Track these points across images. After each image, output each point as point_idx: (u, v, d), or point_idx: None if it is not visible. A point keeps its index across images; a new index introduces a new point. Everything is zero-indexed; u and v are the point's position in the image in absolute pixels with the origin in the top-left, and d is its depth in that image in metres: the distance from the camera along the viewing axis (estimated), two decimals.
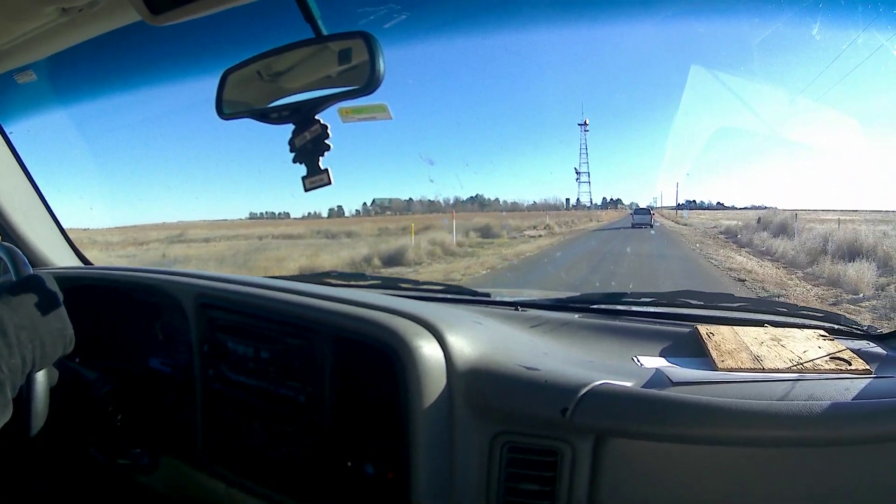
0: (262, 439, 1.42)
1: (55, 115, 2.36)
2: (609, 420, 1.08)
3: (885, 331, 1.36)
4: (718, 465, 1.10)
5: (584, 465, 1.12)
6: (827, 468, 1.07)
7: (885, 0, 1.45)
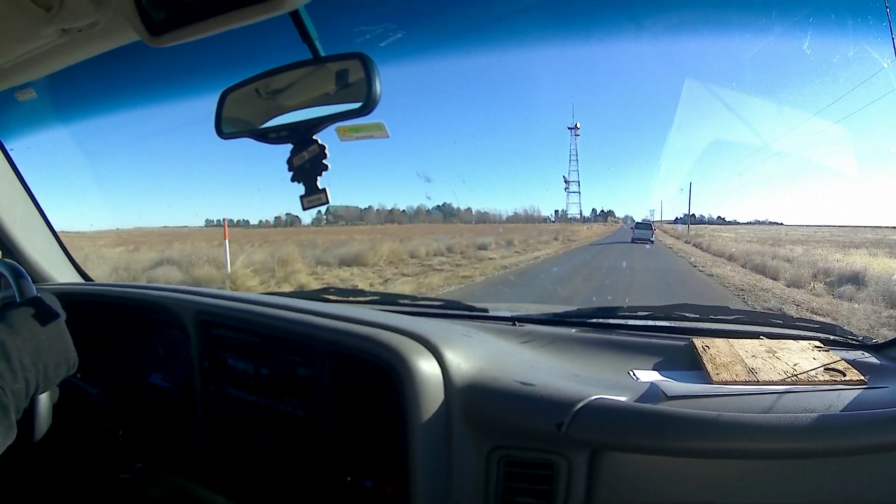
0: (262, 454, 1.42)
1: (55, 132, 2.37)
2: (604, 434, 1.08)
3: (881, 341, 1.36)
4: (714, 478, 1.11)
5: (579, 479, 1.13)
6: (822, 479, 1.07)
7: (874, 14, 1.46)
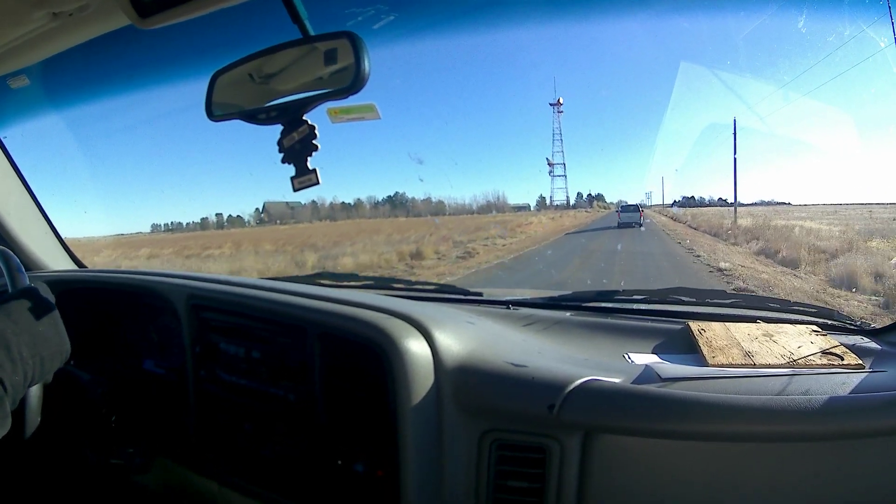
0: (253, 438, 1.42)
1: (48, 118, 2.38)
2: (596, 416, 1.08)
3: (879, 325, 1.35)
4: (708, 461, 1.10)
5: (572, 462, 1.12)
6: (818, 463, 1.06)
7: None
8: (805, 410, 0.98)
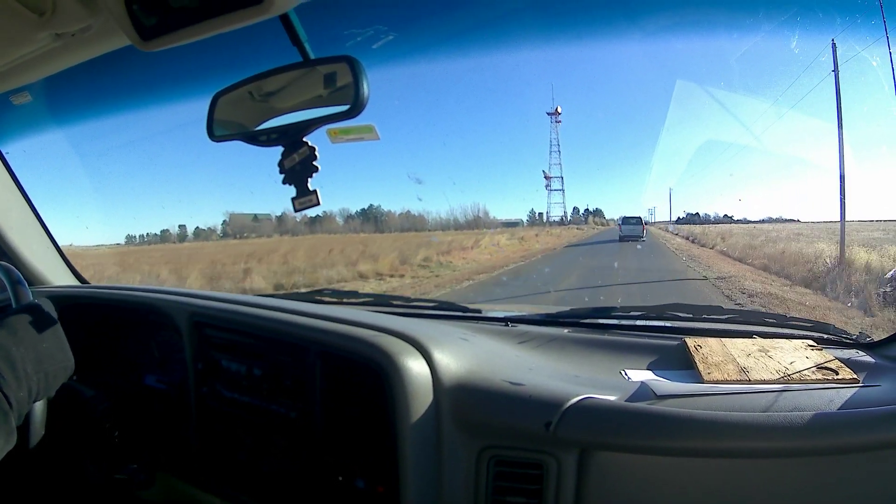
0: (255, 454, 1.43)
1: (50, 135, 2.39)
2: (592, 433, 1.09)
3: (875, 339, 1.36)
4: (704, 477, 1.11)
5: (569, 478, 1.13)
6: (813, 478, 1.07)
7: (862, 12, 1.47)
8: (797, 427, 0.98)
